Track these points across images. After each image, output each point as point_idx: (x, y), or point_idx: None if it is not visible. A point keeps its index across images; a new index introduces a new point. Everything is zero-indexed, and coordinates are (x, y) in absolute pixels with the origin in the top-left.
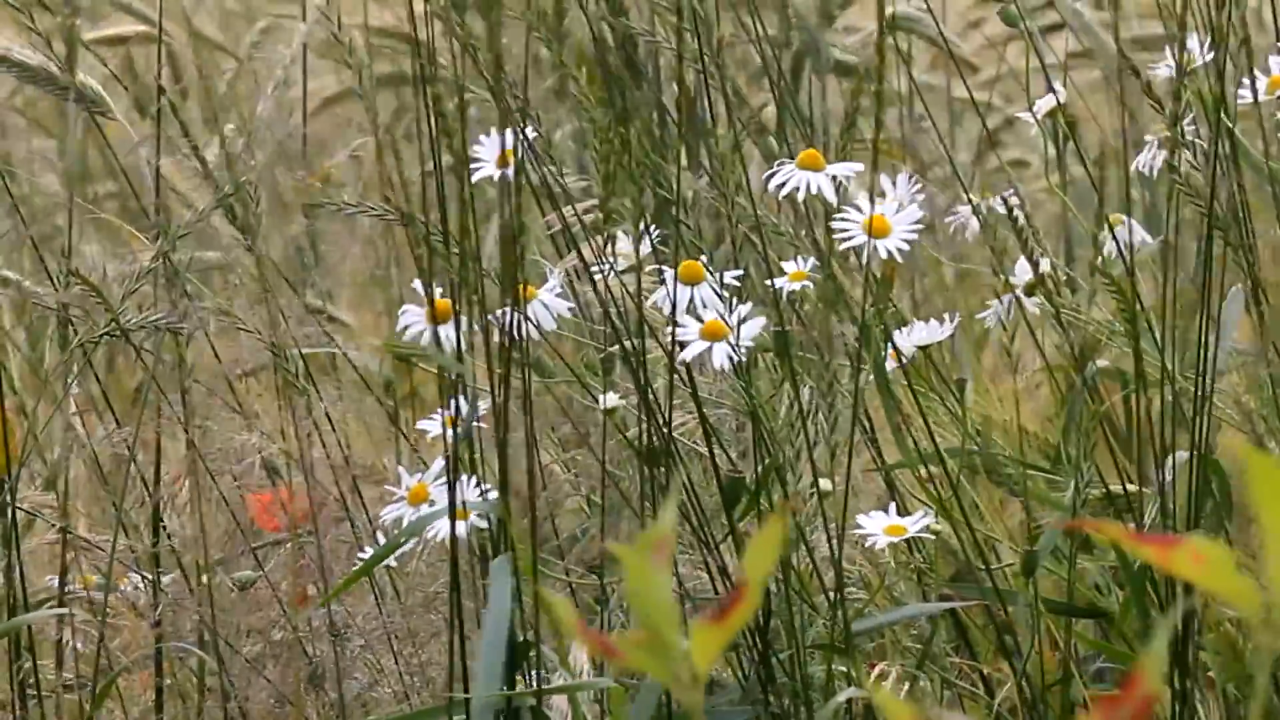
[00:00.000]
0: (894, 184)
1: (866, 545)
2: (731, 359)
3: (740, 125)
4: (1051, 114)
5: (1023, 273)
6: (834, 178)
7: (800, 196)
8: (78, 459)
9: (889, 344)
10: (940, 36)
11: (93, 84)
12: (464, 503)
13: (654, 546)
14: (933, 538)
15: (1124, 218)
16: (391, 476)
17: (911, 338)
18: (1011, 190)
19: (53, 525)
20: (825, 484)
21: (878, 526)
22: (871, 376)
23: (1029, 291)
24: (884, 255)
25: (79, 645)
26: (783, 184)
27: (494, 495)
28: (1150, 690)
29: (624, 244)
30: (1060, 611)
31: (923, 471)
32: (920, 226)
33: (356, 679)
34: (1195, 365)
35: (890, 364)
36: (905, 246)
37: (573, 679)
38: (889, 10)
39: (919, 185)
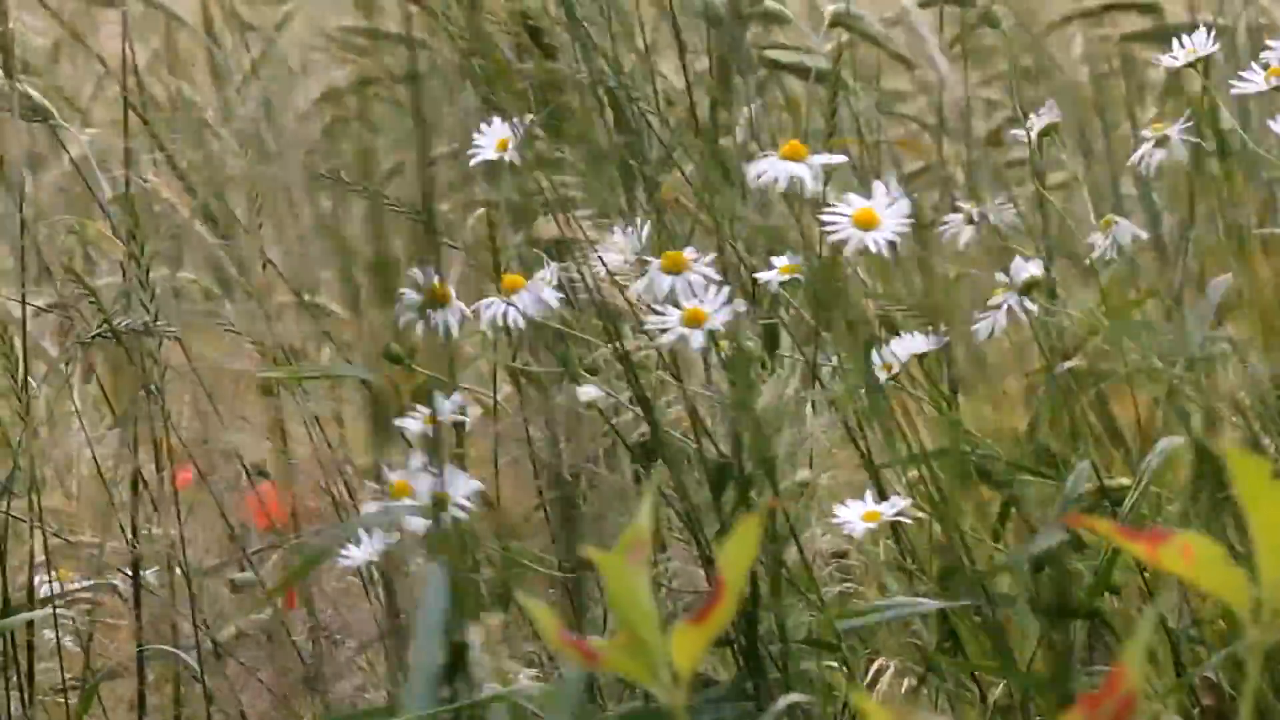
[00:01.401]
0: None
1: (846, 534)
2: (718, 352)
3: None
4: (1045, 132)
5: (1019, 273)
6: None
7: (781, 187)
8: (63, 462)
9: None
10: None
11: (32, 92)
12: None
13: (632, 549)
14: (915, 531)
15: (1118, 219)
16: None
17: (903, 346)
18: (1007, 195)
19: (47, 530)
20: (804, 474)
21: (855, 514)
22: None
23: (1025, 291)
24: (873, 249)
25: (71, 645)
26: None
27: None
28: (1132, 686)
29: (617, 239)
30: (1053, 612)
31: (912, 474)
32: (911, 221)
33: (351, 681)
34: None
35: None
36: (895, 239)
37: (502, 686)
38: (830, 8)
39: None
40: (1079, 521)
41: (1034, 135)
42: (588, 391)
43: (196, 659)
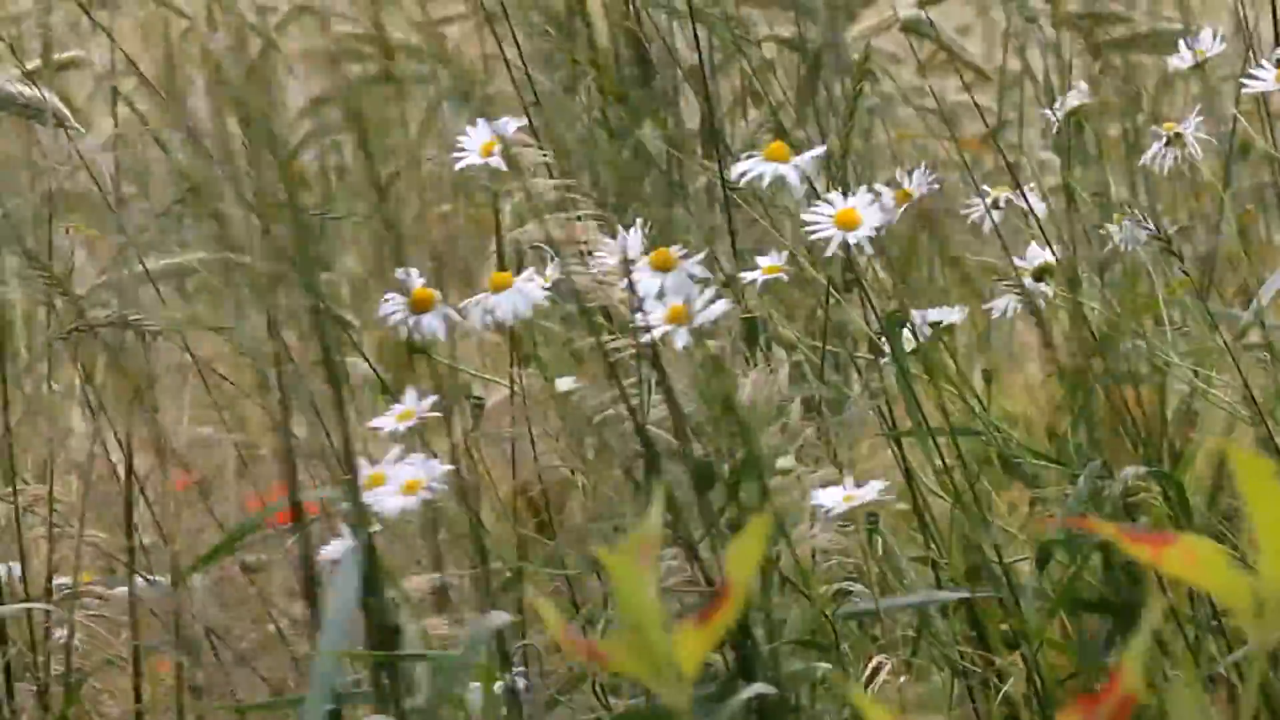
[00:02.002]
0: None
1: (827, 518)
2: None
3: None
4: (1073, 113)
5: (1034, 258)
6: (798, 168)
7: (765, 184)
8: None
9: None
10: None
11: (51, 98)
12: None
13: (640, 549)
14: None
15: (1127, 217)
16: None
17: (926, 316)
18: (1031, 186)
19: (48, 523)
20: (786, 461)
21: (834, 499)
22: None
23: (1038, 276)
24: (853, 247)
25: (77, 643)
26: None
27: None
28: (1130, 689)
29: (628, 240)
30: (1071, 604)
31: (939, 462)
32: (891, 220)
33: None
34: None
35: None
36: (873, 234)
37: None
38: (904, 14)
39: (934, 176)
40: (1082, 523)
41: (1062, 115)
42: (564, 383)
43: (187, 652)
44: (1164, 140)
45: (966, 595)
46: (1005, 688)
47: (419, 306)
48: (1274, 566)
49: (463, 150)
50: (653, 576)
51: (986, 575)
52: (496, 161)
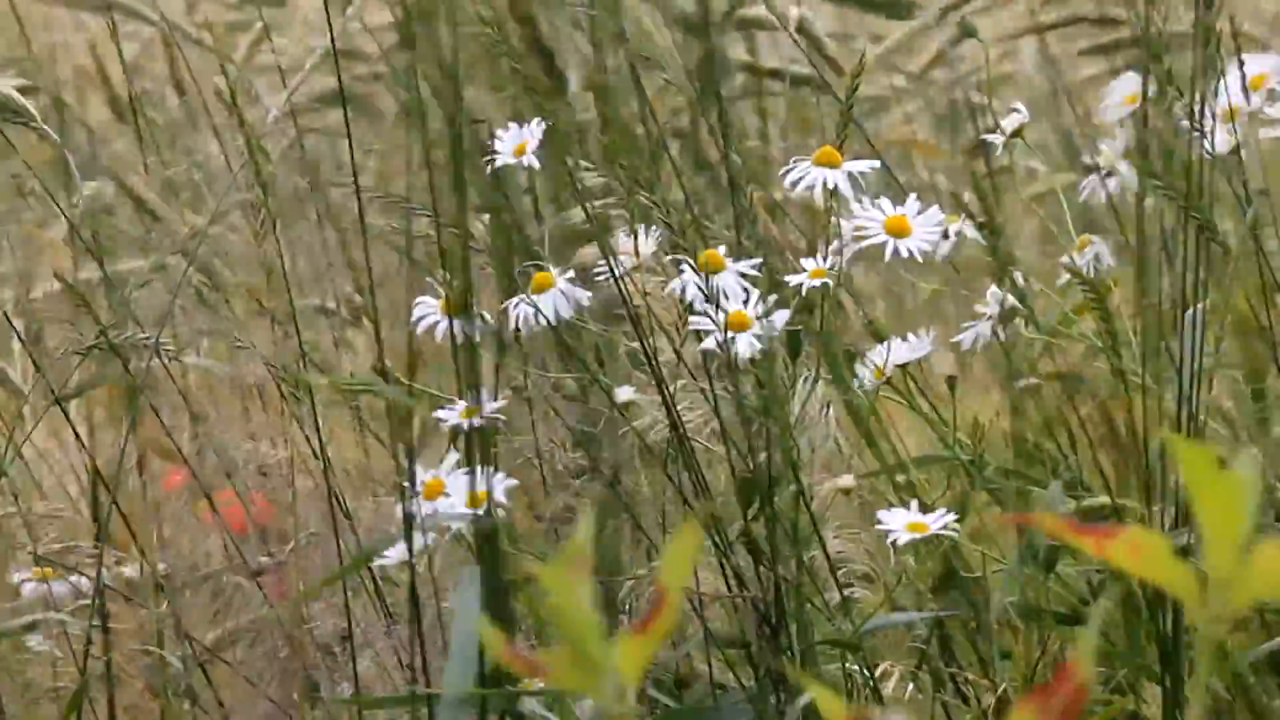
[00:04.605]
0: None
1: (889, 542)
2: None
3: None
4: (1016, 133)
5: (995, 299)
6: (850, 174)
7: (816, 193)
8: (65, 470)
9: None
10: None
11: (13, 94)
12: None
13: (573, 562)
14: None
15: (1094, 239)
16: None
17: (891, 356)
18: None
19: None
20: (848, 480)
21: (899, 523)
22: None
23: (1006, 320)
24: (904, 255)
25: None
26: (798, 180)
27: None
28: (1083, 679)
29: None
30: (1043, 616)
31: (901, 478)
32: (942, 228)
33: (356, 687)
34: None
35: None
36: (926, 247)
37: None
38: (795, 13)
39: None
40: (1025, 518)
41: (1004, 138)
42: (624, 392)
43: (183, 664)
44: (1104, 172)
45: (937, 615)
46: (988, 703)
47: (452, 310)
48: (1220, 557)
49: (496, 152)
50: (587, 588)
51: (955, 585)
52: (531, 160)
